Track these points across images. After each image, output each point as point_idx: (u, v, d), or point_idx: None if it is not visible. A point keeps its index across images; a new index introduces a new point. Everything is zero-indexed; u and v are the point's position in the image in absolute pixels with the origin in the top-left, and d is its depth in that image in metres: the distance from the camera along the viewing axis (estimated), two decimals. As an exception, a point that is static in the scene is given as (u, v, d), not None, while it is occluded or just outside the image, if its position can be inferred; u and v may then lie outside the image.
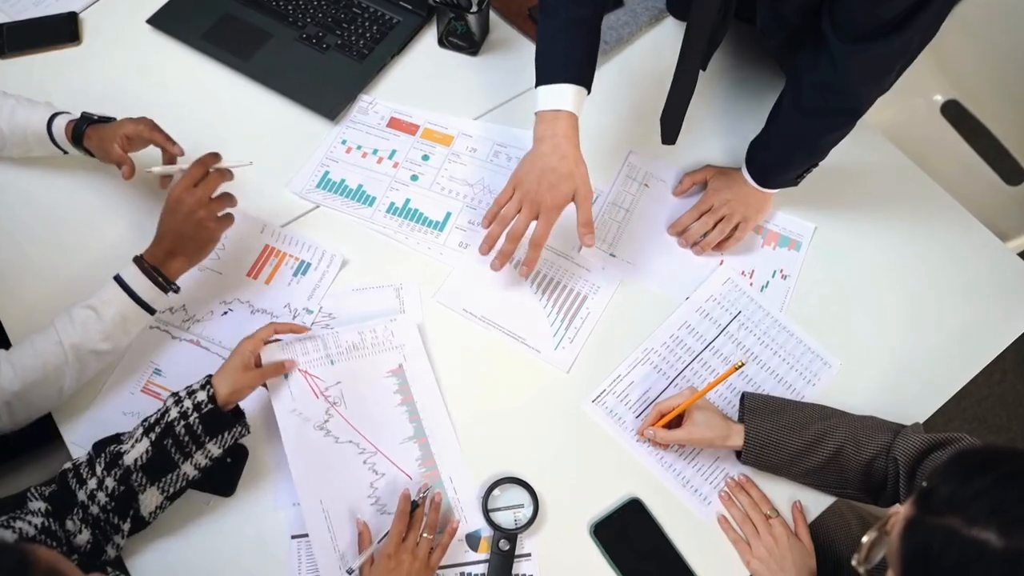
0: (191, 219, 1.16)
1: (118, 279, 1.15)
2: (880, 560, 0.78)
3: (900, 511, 0.75)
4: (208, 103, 1.50)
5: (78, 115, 1.30)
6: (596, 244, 1.38)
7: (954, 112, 1.94)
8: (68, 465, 1.04)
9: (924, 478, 0.76)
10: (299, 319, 1.29)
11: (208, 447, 1.08)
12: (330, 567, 1.11)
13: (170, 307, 1.29)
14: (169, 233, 1.16)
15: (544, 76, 1.26)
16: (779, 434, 1.15)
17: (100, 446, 1.07)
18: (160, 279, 1.16)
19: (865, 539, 0.78)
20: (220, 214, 1.20)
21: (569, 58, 1.26)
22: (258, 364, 1.15)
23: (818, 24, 1.18)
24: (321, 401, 1.19)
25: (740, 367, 1.14)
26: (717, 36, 1.35)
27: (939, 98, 1.96)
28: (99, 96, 1.46)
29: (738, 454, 1.20)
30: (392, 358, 1.25)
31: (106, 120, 1.31)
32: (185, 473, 1.07)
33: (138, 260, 1.16)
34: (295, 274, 1.33)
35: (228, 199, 1.21)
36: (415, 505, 1.13)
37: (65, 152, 1.32)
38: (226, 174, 1.21)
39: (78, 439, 1.19)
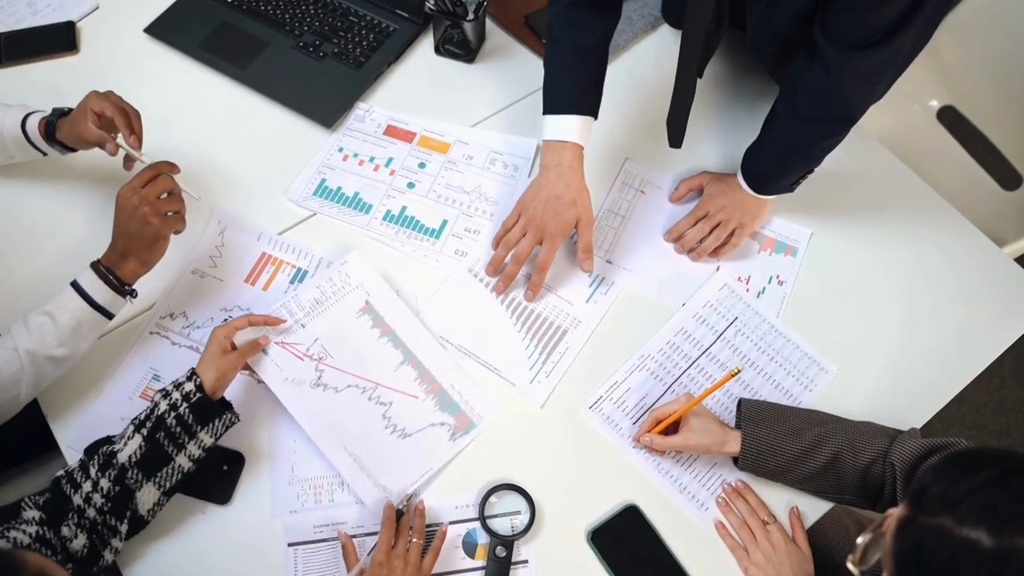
0: (136, 215, 1.14)
1: (75, 284, 1.14)
2: (876, 562, 0.78)
3: (895, 512, 0.76)
4: (205, 111, 1.51)
5: (46, 112, 1.28)
6: (594, 251, 1.38)
7: (950, 118, 1.95)
8: (61, 472, 1.05)
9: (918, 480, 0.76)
10: (297, 323, 1.29)
11: (200, 436, 1.09)
12: (378, 503, 1.17)
13: (170, 313, 1.30)
14: (120, 234, 1.16)
15: (550, 106, 1.31)
16: (776, 440, 1.16)
17: (91, 450, 1.07)
18: (114, 280, 1.15)
19: (860, 540, 0.79)
20: (168, 214, 1.18)
21: (574, 88, 1.31)
22: (234, 348, 1.17)
23: (810, 32, 1.19)
24: (307, 362, 1.24)
25: (736, 373, 1.15)
26: (712, 43, 1.36)
27: (935, 104, 1.97)
28: (96, 105, 1.47)
29: (735, 460, 1.20)
30: (357, 297, 1.30)
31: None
32: (180, 465, 1.08)
33: (94, 265, 1.16)
34: (292, 281, 1.34)
35: (176, 201, 1.19)
36: (400, 514, 1.14)
37: (45, 154, 1.30)
38: (177, 186, 1.20)
39: (75, 443, 1.19)
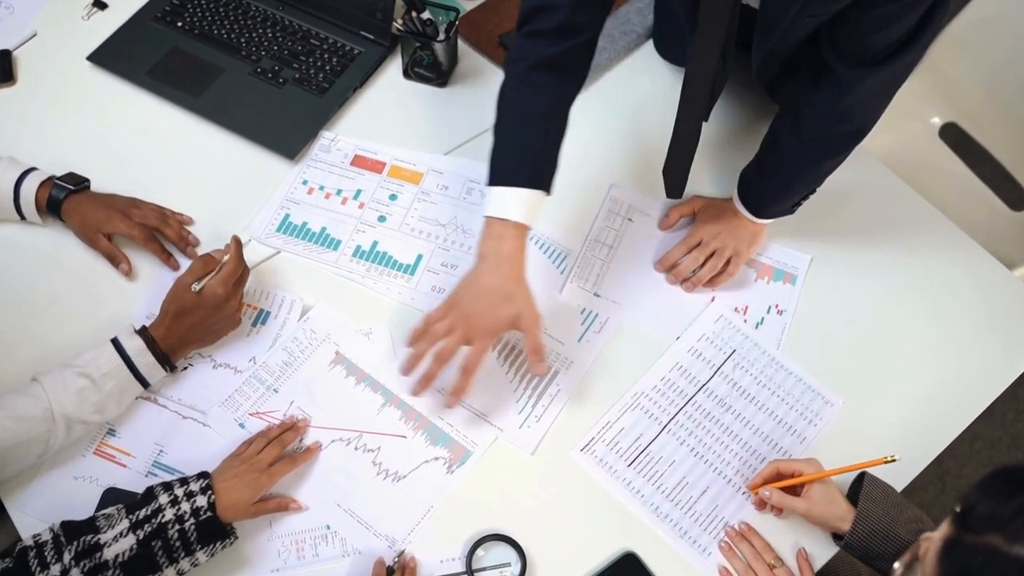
0: (232, 318, 1.30)
1: (121, 352, 1.21)
2: None
3: (933, 535, 0.80)
4: (156, 144, 1.56)
5: (45, 176, 1.37)
6: (580, 284, 1.46)
7: (953, 135, 2.04)
8: (30, 543, 1.06)
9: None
10: (269, 389, 1.35)
11: (198, 555, 1.12)
12: (380, 552, 1.23)
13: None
14: (196, 326, 1.26)
15: (495, 175, 1.28)
16: (891, 523, 1.18)
17: (72, 531, 1.07)
18: (165, 362, 1.25)
19: (897, 565, 0.84)
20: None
21: (525, 156, 1.28)
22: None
23: (814, 51, 1.27)
24: None
25: (890, 461, 1.17)
26: (718, 84, 1.40)
27: (937, 121, 2.06)
28: (36, 139, 1.53)
29: (834, 536, 1.24)
30: (326, 351, 1.39)
31: (80, 184, 1.39)
32: None
33: (147, 338, 1.23)
34: (254, 324, 1.40)
35: (245, 278, 1.33)
36: (391, 571, 1.19)
37: (23, 218, 1.39)
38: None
39: (25, 507, 1.22)
